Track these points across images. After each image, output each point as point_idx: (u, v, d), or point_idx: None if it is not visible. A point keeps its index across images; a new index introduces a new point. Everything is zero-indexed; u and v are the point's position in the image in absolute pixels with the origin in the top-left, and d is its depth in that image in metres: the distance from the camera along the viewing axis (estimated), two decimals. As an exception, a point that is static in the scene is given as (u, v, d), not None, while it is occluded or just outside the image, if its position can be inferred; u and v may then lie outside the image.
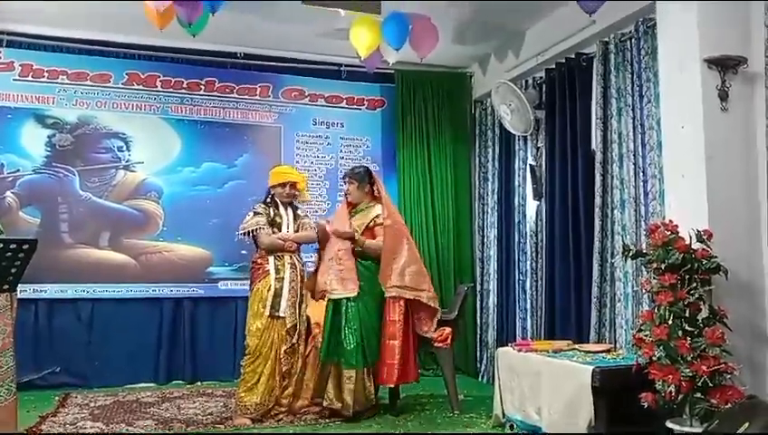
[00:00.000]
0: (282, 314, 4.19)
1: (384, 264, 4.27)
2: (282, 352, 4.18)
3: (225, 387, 5.17)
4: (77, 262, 5.37)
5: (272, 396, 4.17)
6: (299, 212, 4.50)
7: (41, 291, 5.21)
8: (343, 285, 4.25)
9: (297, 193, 4.48)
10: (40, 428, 3.95)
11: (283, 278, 4.23)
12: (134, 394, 5.00)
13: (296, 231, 4.40)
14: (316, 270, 4.48)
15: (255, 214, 4.35)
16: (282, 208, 4.42)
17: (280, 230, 4.34)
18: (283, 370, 4.19)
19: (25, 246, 2.97)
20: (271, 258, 4.27)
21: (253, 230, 4.29)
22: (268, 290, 4.19)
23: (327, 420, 4.19)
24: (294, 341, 4.24)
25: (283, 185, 4.42)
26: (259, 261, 4.30)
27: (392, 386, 4.44)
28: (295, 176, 4.54)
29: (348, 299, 4.23)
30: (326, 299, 4.31)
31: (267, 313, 4.16)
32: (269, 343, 4.16)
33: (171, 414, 4.38)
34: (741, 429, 2.59)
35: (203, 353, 5.55)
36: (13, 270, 2.98)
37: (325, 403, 4.22)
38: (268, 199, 4.45)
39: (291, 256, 4.32)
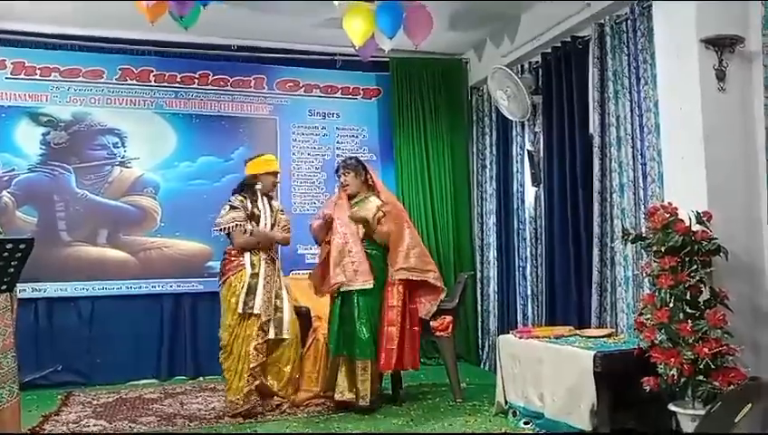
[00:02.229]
0: (256, 311, 4.09)
1: (392, 248, 4.25)
2: (252, 348, 4.08)
3: (228, 381, 5.17)
4: (76, 260, 5.36)
5: (242, 394, 4.07)
6: (274, 204, 4.42)
7: (40, 290, 5.20)
8: (358, 277, 4.17)
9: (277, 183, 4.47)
10: (43, 427, 3.95)
11: (258, 274, 4.14)
12: (136, 391, 5.01)
13: (273, 224, 4.32)
14: (322, 265, 4.38)
15: (232, 208, 4.22)
16: (260, 200, 4.31)
17: (258, 223, 4.24)
18: (251, 366, 4.07)
19: (22, 246, 2.94)
20: (247, 253, 4.18)
21: (229, 227, 4.19)
22: (242, 286, 4.10)
23: (331, 413, 4.18)
24: (270, 335, 4.15)
25: (275, 174, 4.38)
26: (234, 253, 4.21)
27: (394, 374, 4.45)
28: (277, 165, 4.49)
29: (357, 291, 4.17)
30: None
31: (240, 310, 4.07)
32: (240, 338, 4.09)
33: (174, 410, 4.38)
34: (743, 410, 2.58)
35: (204, 348, 5.51)
36: (10, 270, 2.96)
37: (337, 396, 4.19)
38: (245, 190, 4.31)
39: (267, 252, 4.24)
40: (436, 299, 4.37)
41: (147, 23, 3.97)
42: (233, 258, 4.21)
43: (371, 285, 4.17)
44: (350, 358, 4.17)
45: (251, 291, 4.11)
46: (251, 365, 4.09)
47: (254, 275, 4.14)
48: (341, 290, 4.19)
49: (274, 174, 4.38)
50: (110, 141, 5.53)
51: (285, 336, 4.21)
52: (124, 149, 5.55)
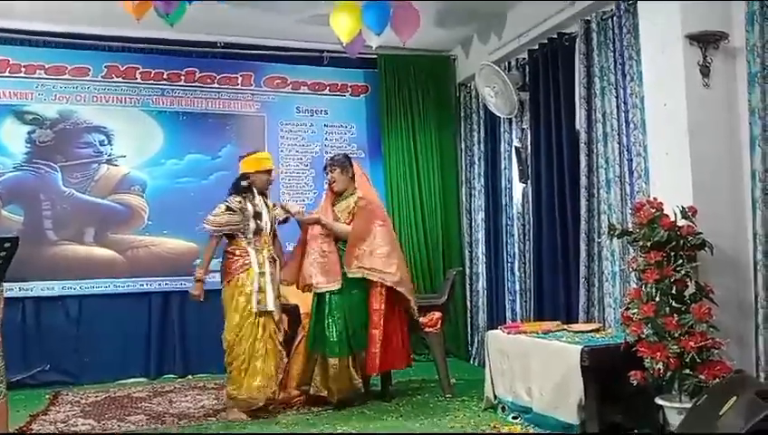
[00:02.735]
0: (271, 308, 4.10)
1: (349, 245, 4.21)
2: (277, 345, 4.12)
3: (217, 380, 5.13)
4: (63, 259, 5.32)
5: (265, 389, 4.07)
6: (269, 202, 4.37)
7: (27, 289, 5.16)
8: (327, 278, 4.21)
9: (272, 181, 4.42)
10: (30, 427, 3.93)
11: (264, 272, 4.12)
12: (125, 390, 4.99)
13: (271, 221, 4.27)
14: (297, 260, 4.41)
15: (228, 209, 4.13)
16: (257, 198, 4.24)
17: (261, 220, 4.18)
18: (282, 363, 4.15)
19: (7, 245, 2.93)
20: (252, 251, 4.13)
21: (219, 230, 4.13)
22: (252, 285, 4.07)
23: (318, 409, 4.19)
24: (284, 334, 4.21)
25: (268, 172, 4.32)
26: (237, 253, 4.14)
27: (381, 374, 4.43)
28: (271, 163, 4.44)
29: (331, 291, 4.20)
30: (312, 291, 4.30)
31: (255, 308, 4.04)
32: (250, 337, 4.03)
33: (163, 408, 4.37)
34: (728, 403, 2.61)
35: (193, 347, 5.52)
36: (-5, 269, 2.95)
37: (312, 390, 4.23)
38: (241, 190, 4.22)
39: (269, 250, 4.21)
40: (408, 301, 4.33)
41: (132, 20, 3.95)
42: (237, 257, 4.13)
43: (339, 286, 4.17)
44: (323, 355, 4.19)
45: (262, 289, 4.09)
46: (282, 362, 4.14)
47: (263, 274, 4.11)
48: (316, 291, 4.23)
49: (268, 172, 4.33)
50: (96, 139, 5.50)
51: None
52: (111, 147, 5.52)
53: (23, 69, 5.31)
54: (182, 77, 5.67)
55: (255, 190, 4.26)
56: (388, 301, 4.22)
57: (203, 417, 4.12)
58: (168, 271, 5.54)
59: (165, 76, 5.63)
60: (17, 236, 3.14)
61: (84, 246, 5.40)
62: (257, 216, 4.18)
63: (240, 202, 4.18)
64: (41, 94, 5.35)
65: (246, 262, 4.12)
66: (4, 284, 3.10)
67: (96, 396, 4.77)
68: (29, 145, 5.32)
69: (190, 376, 5.46)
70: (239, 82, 5.83)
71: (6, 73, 5.28)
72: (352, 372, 4.20)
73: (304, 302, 4.60)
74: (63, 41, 5.44)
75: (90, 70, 5.46)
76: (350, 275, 4.20)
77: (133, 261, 5.49)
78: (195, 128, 5.70)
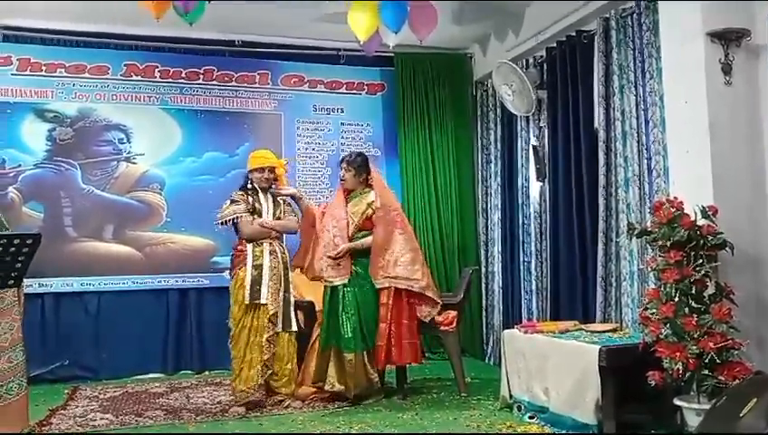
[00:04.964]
0: (264, 301, 4.14)
1: (373, 255, 4.26)
2: (264, 339, 4.12)
3: (234, 376, 5.18)
4: (82, 255, 5.38)
5: (255, 384, 4.11)
6: (279, 199, 4.42)
7: (47, 285, 5.22)
8: (337, 271, 4.28)
9: (275, 178, 4.41)
10: (50, 421, 3.98)
11: (261, 265, 4.17)
12: (143, 385, 5.03)
13: (278, 218, 4.33)
14: (306, 248, 4.50)
15: (232, 202, 4.28)
16: (261, 195, 4.35)
17: (260, 217, 4.28)
18: (265, 358, 4.12)
19: (29, 241, 2.97)
20: (249, 245, 4.22)
21: (233, 219, 4.24)
22: (247, 278, 4.14)
23: (334, 406, 4.20)
24: (278, 329, 4.19)
25: (260, 170, 4.33)
26: (239, 248, 4.26)
27: (398, 369, 4.44)
28: (272, 161, 4.42)
29: (344, 285, 4.25)
30: (323, 285, 4.36)
31: (247, 300, 4.12)
32: (248, 330, 4.12)
33: (180, 404, 4.40)
34: (748, 404, 2.58)
35: (210, 343, 5.54)
36: (17, 265, 3.00)
37: (327, 387, 4.25)
38: (248, 186, 4.36)
39: (270, 243, 4.25)
40: (430, 305, 4.34)
41: (152, 19, 3.98)
42: (239, 253, 4.26)
43: (347, 280, 4.24)
44: (338, 350, 4.21)
45: (255, 282, 4.15)
46: (264, 357, 4.12)
47: (258, 267, 4.17)
48: (327, 285, 4.30)
49: (260, 170, 4.34)
50: (115, 137, 5.55)
51: (294, 329, 4.28)
52: (129, 145, 5.57)
53: (43, 67, 5.38)
54: (200, 75, 5.71)
55: (259, 188, 4.35)
56: (396, 296, 4.24)
57: (220, 413, 4.15)
58: (185, 268, 5.58)
59: (183, 75, 5.67)
60: (39, 233, 3.17)
61: (103, 243, 5.46)
62: (255, 211, 4.27)
63: (242, 195, 4.31)
64: (61, 92, 5.42)
65: (246, 255, 4.22)
66: (24, 279, 3.15)
67: (114, 391, 4.82)
68: (49, 143, 5.39)
69: (207, 372, 5.51)
70: (256, 80, 5.86)
71: (27, 72, 5.34)
72: (368, 367, 4.22)
73: (319, 298, 4.62)
74: (83, 39, 5.50)
75: (109, 68, 5.51)
76: (377, 286, 4.24)
77: (151, 258, 5.53)
78: (213, 126, 5.73)
